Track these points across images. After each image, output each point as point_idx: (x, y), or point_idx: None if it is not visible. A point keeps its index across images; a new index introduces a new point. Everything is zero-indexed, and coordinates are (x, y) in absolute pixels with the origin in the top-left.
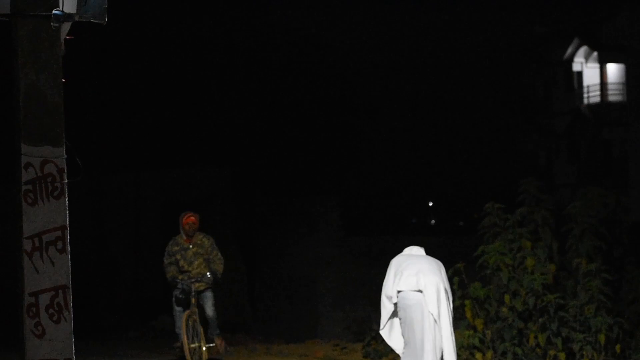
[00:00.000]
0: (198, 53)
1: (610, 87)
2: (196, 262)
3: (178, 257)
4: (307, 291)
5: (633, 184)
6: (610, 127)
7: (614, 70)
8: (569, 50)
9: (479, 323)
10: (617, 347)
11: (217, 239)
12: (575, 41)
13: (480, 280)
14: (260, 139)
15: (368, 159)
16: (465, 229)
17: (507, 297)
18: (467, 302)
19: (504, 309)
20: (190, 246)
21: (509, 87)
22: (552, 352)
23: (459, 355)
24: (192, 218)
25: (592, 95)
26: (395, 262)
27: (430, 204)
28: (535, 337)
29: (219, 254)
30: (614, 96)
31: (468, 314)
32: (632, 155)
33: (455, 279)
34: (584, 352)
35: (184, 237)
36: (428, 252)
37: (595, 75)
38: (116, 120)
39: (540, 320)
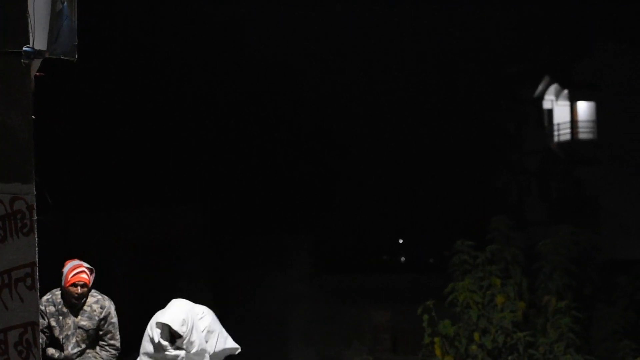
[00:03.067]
0: (173, 90)
1: (580, 124)
2: (75, 339)
3: (52, 322)
4: (278, 328)
5: (604, 222)
6: (581, 165)
7: (584, 108)
8: (540, 88)
9: None
10: None
11: (191, 277)
12: (546, 79)
13: (450, 317)
14: (234, 176)
15: (340, 196)
16: (436, 266)
17: (476, 335)
18: (436, 339)
19: (474, 347)
20: (72, 315)
21: (480, 125)
22: None
23: None
24: (84, 275)
25: (562, 133)
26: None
27: (401, 241)
28: None
29: (116, 334)
30: (584, 134)
31: (437, 352)
32: (604, 193)
33: (425, 316)
34: None
35: (66, 298)
36: (398, 289)
37: (566, 113)
38: (89, 158)
39: (509, 358)
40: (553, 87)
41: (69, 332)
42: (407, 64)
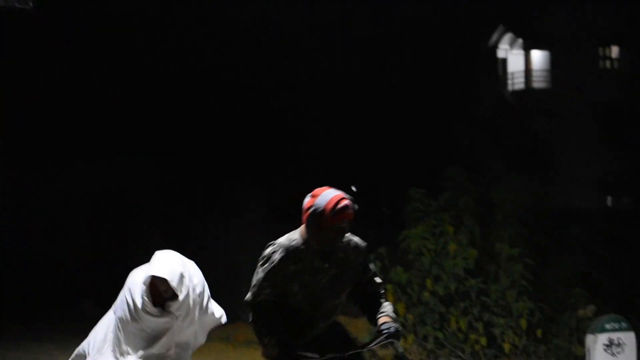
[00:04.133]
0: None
1: (535, 74)
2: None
3: (294, 288)
4: (230, 276)
5: (557, 171)
6: (535, 114)
7: (538, 57)
8: (494, 37)
9: (400, 307)
10: (539, 332)
11: (145, 226)
12: (500, 28)
13: (402, 265)
14: (188, 128)
15: (291, 146)
16: (388, 214)
17: (429, 282)
18: (389, 286)
19: (426, 294)
20: (326, 265)
21: (434, 74)
22: (473, 337)
23: None
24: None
25: (517, 82)
26: None
27: (354, 189)
28: (457, 322)
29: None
30: (538, 83)
31: (390, 298)
32: (557, 143)
33: (378, 263)
34: (505, 337)
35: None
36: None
37: (520, 62)
38: (46, 111)
39: (461, 304)
40: (508, 36)
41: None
42: (358, 11)
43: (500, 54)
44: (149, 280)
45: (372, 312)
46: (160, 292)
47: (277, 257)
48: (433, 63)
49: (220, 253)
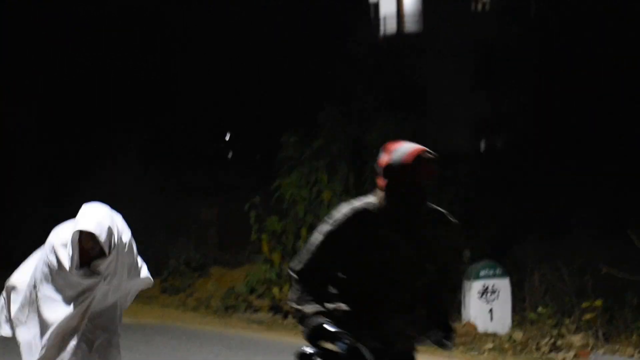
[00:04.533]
0: None
1: (407, 17)
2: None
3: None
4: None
5: (430, 113)
6: (408, 56)
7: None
8: None
9: (275, 257)
10: None
11: (23, 172)
12: None
13: (277, 213)
14: (66, 74)
15: (166, 94)
16: (263, 162)
17: (303, 231)
18: (264, 236)
19: (301, 243)
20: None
21: (306, 17)
22: None
23: (256, 290)
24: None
25: (389, 25)
26: None
27: (228, 136)
28: None
29: None
30: (410, 26)
31: (265, 248)
32: (430, 84)
33: (252, 212)
34: None
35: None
36: (225, 186)
37: (392, 5)
38: None
39: None
40: None
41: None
42: None
43: None
44: (75, 235)
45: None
46: (86, 249)
47: (342, 218)
48: (305, 4)
49: (91, 197)
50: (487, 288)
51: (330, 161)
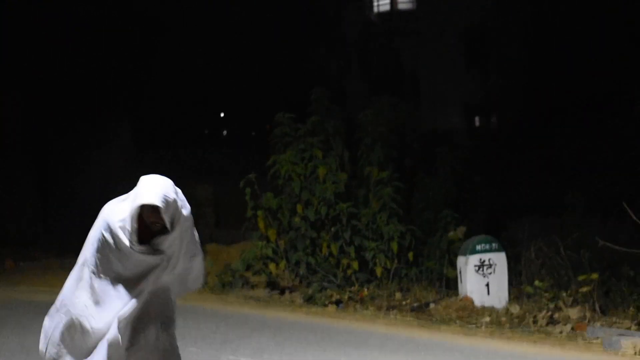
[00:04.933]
0: None
1: None
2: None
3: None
4: (99, 205)
5: (424, 94)
6: (400, 36)
7: None
8: None
9: (271, 233)
10: (410, 255)
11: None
12: None
13: (272, 190)
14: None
15: (159, 71)
16: (258, 140)
17: (299, 207)
18: (259, 212)
19: (297, 219)
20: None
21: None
22: (345, 261)
23: (252, 266)
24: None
25: (382, 3)
26: None
27: (222, 114)
28: (328, 246)
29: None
30: (404, 4)
31: (261, 225)
32: (423, 65)
33: (248, 189)
34: (377, 260)
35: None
36: (220, 163)
37: None
38: None
39: (332, 229)
40: None
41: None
42: None
43: None
44: (137, 210)
45: None
46: (146, 225)
47: None
48: None
49: (89, 183)
50: (483, 262)
51: (325, 138)
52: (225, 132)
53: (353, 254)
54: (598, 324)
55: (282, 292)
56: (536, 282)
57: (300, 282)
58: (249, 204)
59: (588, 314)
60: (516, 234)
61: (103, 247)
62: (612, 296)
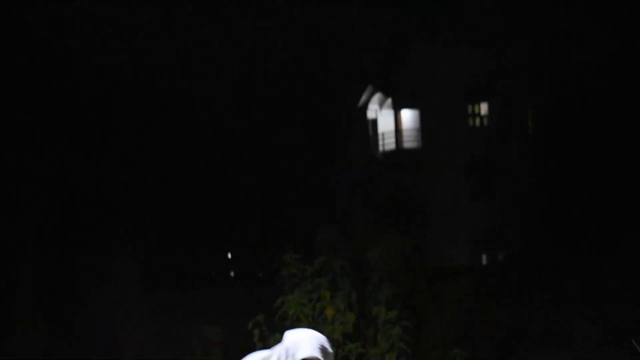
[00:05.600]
0: None
1: (405, 133)
2: None
3: None
4: (108, 346)
5: (430, 229)
6: (406, 173)
7: (408, 116)
8: (364, 98)
9: None
10: None
11: (19, 293)
12: (369, 88)
13: (280, 331)
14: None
15: (164, 213)
16: (265, 280)
17: None
18: None
19: None
20: None
21: (304, 135)
22: None
23: None
24: None
25: (387, 142)
26: None
27: (229, 255)
28: None
29: None
30: (409, 142)
31: None
32: (429, 200)
33: (256, 331)
34: None
35: None
36: (228, 304)
37: (390, 121)
38: None
39: None
40: (377, 96)
41: None
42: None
43: (370, 114)
44: None
45: None
46: None
47: None
48: (303, 122)
49: (98, 323)
50: None
51: (333, 278)
52: (232, 273)
53: None
54: None
55: None
56: None
57: None
58: (257, 346)
59: None
60: None
61: None
62: None
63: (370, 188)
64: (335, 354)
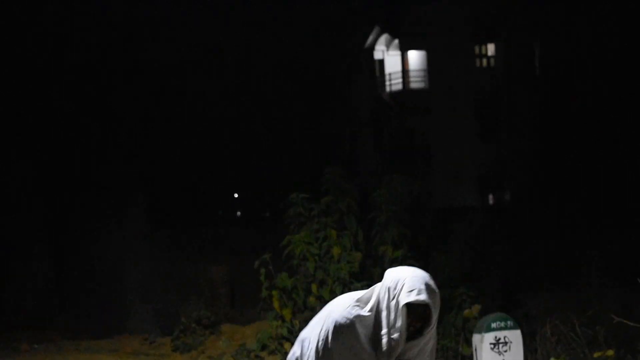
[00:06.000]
0: None
1: (412, 74)
2: None
3: None
4: (115, 286)
5: (436, 170)
6: (412, 114)
7: (415, 57)
8: (370, 38)
9: (286, 313)
10: None
11: (22, 232)
12: (376, 29)
13: (287, 270)
14: (67, 133)
15: (174, 152)
16: (272, 220)
17: (314, 287)
18: (274, 292)
19: (312, 299)
20: None
21: (312, 77)
22: None
23: (267, 346)
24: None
25: (394, 82)
26: None
27: (236, 195)
28: None
29: None
30: (415, 83)
31: (276, 304)
32: (435, 142)
33: (262, 269)
34: None
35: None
36: (235, 244)
37: (397, 62)
38: None
39: None
40: (384, 37)
41: None
42: (232, 20)
43: (377, 55)
44: (403, 310)
45: None
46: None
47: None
48: (311, 65)
49: (104, 263)
50: (499, 340)
51: (339, 217)
52: (239, 213)
53: None
54: None
55: None
56: (552, 359)
57: None
58: (264, 284)
59: None
60: (531, 310)
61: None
62: None
63: (377, 129)
64: (341, 292)
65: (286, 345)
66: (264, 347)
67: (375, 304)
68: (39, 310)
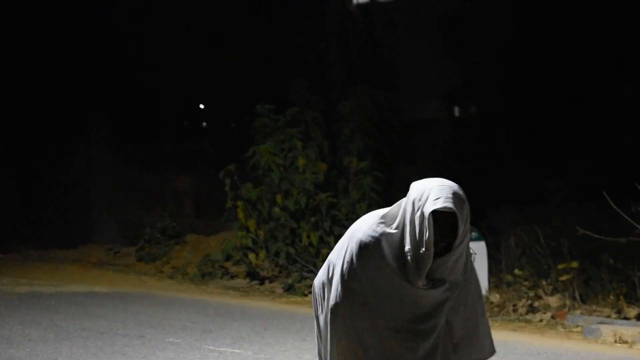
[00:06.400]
0: None
1: None
2: None
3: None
4: (80, 198)
5: (402, 84)
6: (379, 26)
7: None
8: None
9: (251, 224)
10: None
11: None
12: None
13: (252, 181)
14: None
15: (137, 63)
16: (237, 131)
17: (279, 197)
18: (239, 203)
19: (276, 209)
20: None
21: None
22: (324, 251)
23: (232, 257)
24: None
25: None
26: None
27: (202, 106)
28: (308, 236)
29: None
30: None
31: (240, 215)
32: (401, 54)
33: (227, 180)
34: None
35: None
36: (200, 155)
37: None
38: None
39: (312, 219)
40: None
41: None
42: None
43: None
44: (429, 219)
45: None
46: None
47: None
48: None
49: (70, 175)
50: None
51: (305, 128)
52: (204, 124)
53: (333, 244)
54: (578, 312)
55: (262, 282)
56: (516, 271)
57: (280, 272)
58: (229, 195)
59: (568, 302)
60: (496, 223)
61: (355, 290)
62: (592, 284)
63: (343, 41)
64: (306, 203)
65: (251, 255)
66: (228, 258)
67: (402, 221)
68: (4, 222)
